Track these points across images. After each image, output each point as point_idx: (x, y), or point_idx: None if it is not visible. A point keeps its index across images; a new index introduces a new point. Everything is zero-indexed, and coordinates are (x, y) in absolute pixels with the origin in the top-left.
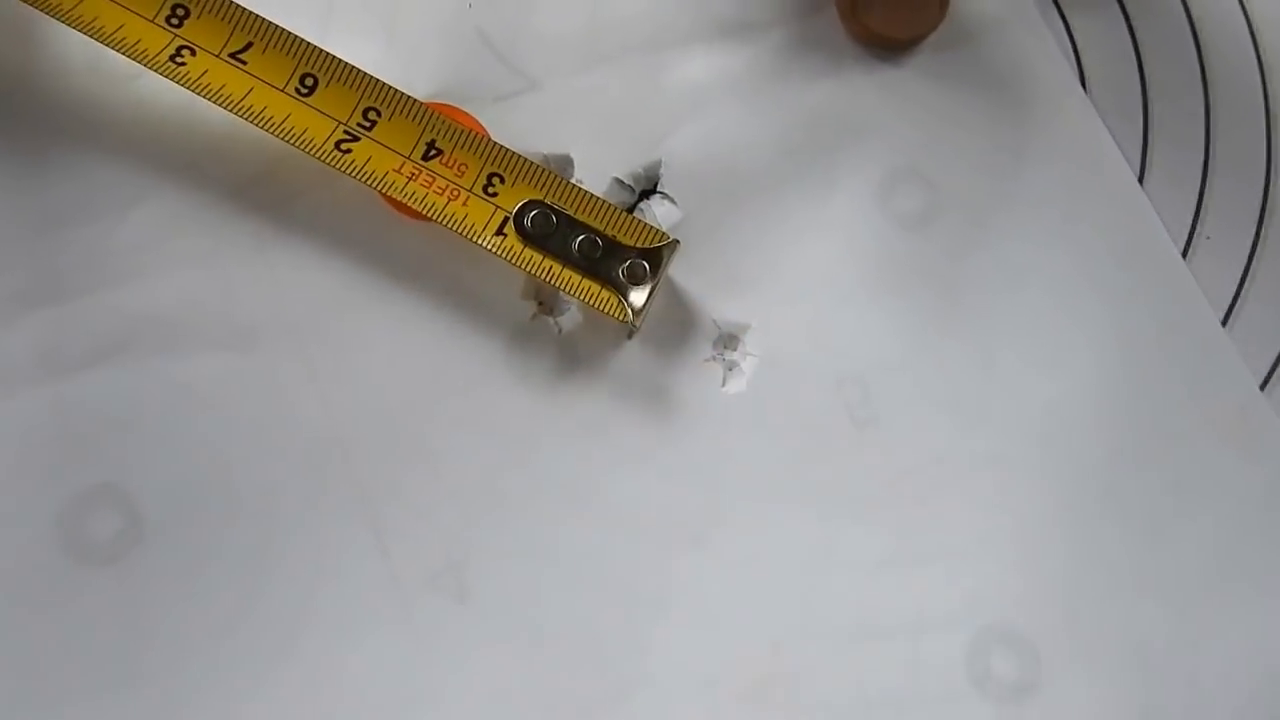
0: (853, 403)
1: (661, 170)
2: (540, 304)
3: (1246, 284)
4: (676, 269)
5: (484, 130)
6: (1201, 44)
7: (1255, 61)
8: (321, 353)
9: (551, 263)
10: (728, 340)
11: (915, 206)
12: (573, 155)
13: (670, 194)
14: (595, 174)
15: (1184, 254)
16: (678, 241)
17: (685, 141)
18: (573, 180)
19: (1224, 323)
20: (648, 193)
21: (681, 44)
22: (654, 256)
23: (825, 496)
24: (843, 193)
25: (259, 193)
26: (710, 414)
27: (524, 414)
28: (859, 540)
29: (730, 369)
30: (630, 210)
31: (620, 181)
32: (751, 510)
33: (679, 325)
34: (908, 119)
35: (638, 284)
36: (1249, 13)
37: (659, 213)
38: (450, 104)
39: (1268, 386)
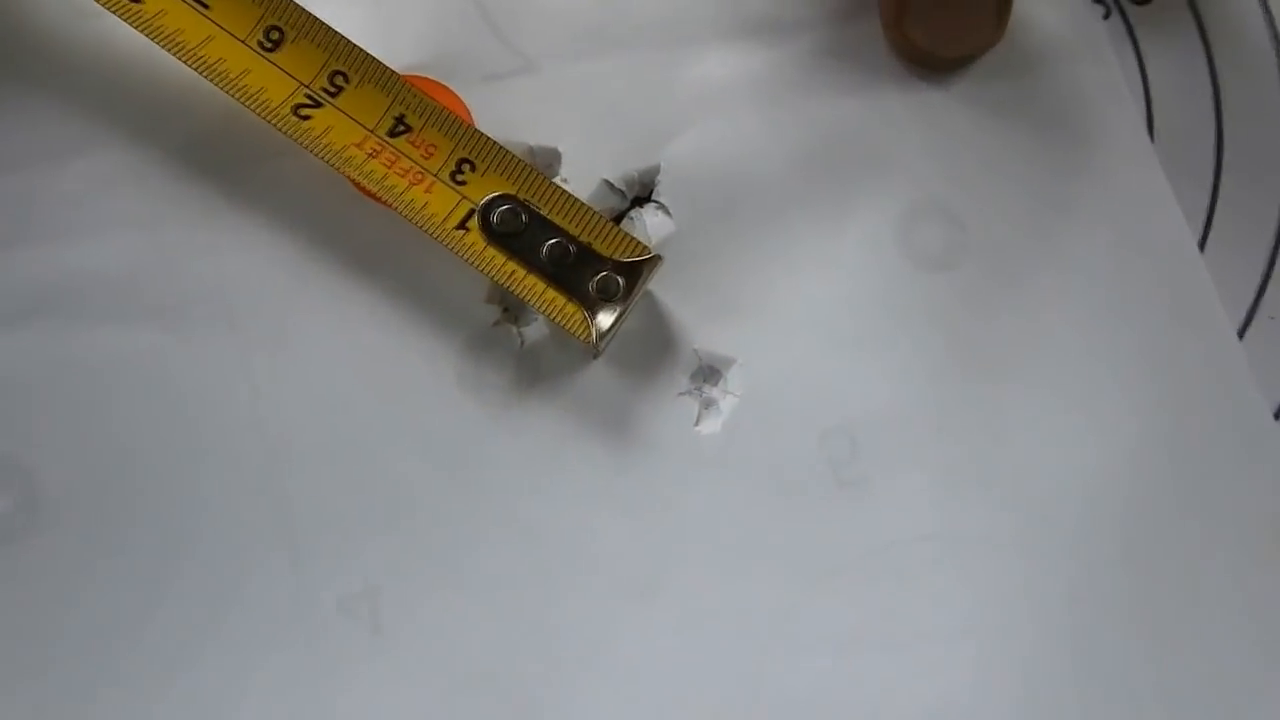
0: (838, 459)
1: (659, 177)
2: (505, 310)
3: None
4: (661, 287)
5: (466, 111)
6: None
7: None
8: (258, 340)
9: (515, 266)
10: (708, 374)
11: (937, 247)
12: (561, 149)
13: (665, 204)
14: (584, 173)
15: (1240, 335)
16: (660, 258)
17: (689, 147)
18: (557, 178)
19: (1277, 416)
20: (640, 200)
21: (700, 38)
22: (631, 272)
23: (794, 560)
24: (857, 223)
25: (214, 154)
26: (678, 453)
27: (472, 430)
28: (825, 615)
29: (707, 406)
30: (618, 218)
31: (610, 185)
32: (710, 565)
33: (656, 350)
34: (942, 149)
35: (609, 301)
36: None
37: (650, 223)
38: (433, 78)
39: None
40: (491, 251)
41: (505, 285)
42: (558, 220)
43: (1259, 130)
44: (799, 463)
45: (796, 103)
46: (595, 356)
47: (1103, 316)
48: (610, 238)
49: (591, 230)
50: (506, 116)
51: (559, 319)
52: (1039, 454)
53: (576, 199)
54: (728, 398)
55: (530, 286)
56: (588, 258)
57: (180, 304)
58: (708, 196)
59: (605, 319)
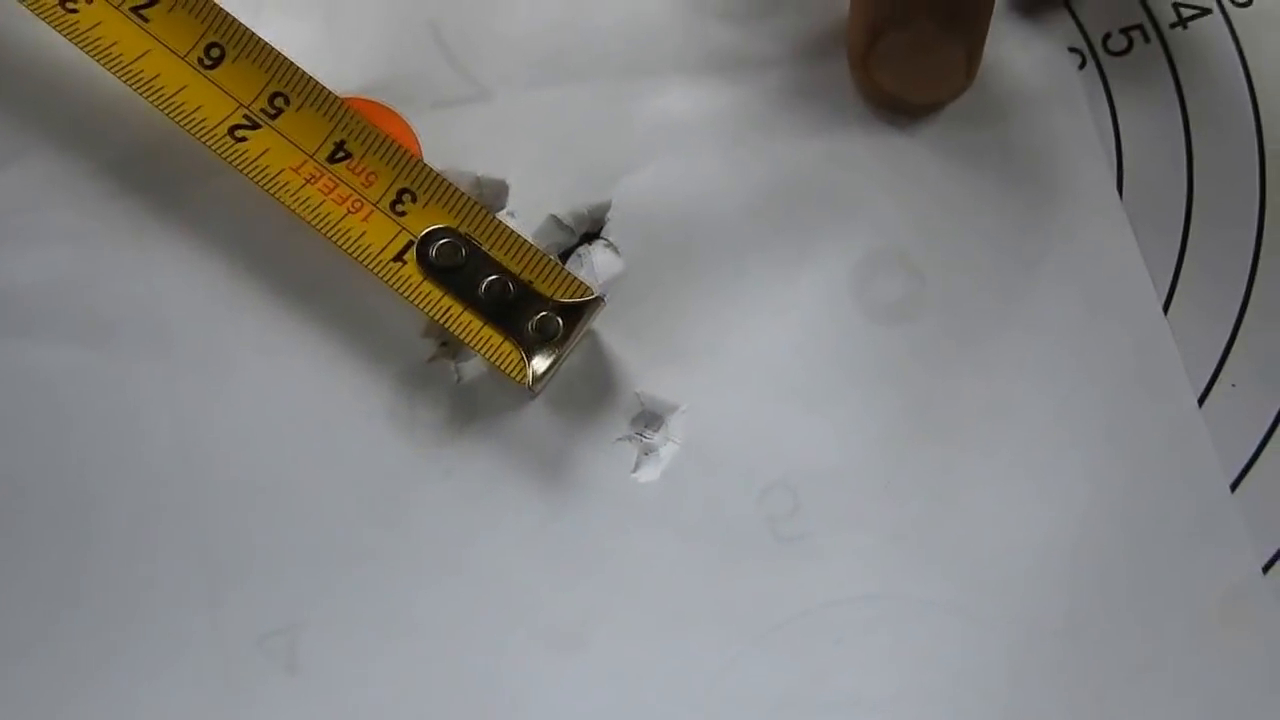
0: (779, 515)
1: (609, 214)
2: (443, 345)
3: (1268, 445)
4: (606, 327)
5: (414, 138)
6: (1267, 169)
7: None
8: (185, 363)
9: (451, 302)
10: (649, 419)
11: (894, 298)
12: (509, 181)
13: (614, 242)
14: (531, 206)
15: (1201, 400)
16: (602, 300)
17: (643, 184)
18: (504, 211)
19: (1234, 487)
20: (589, 237)
21: (662, 71)
22: (572, 313)
23: (729, 617)
24: (813, 270)
25: (149, 169)
26: (614, 500)
27: (401, 468)
28: (758, 674)
29: (646, 453)
30: (566, 255)
31: (558, 220)
32: (642, 619)
33: (597, 392)
34: (905, 197)
35: (547, 342)
36: None
37: (597, 261)
38: (380, 102)
39: (1271, 570)
40: (428, 286)
41: (440, 322)
42: (499, 257)
43: (1230, 189)
44: (738, 516)
45: (758, 142)
46: (532, 397)
47: (1061, 378)
48: (552, 277)
49: (533, 268)
50: (455, 145)
51: (495, 359)
52: (987, 518)
53: (519, 236)
54: (668, 445)
55: (466, 324)
56: (528, 297)
57: (108, 322)
58: (660, 235)
59: (541, 362)
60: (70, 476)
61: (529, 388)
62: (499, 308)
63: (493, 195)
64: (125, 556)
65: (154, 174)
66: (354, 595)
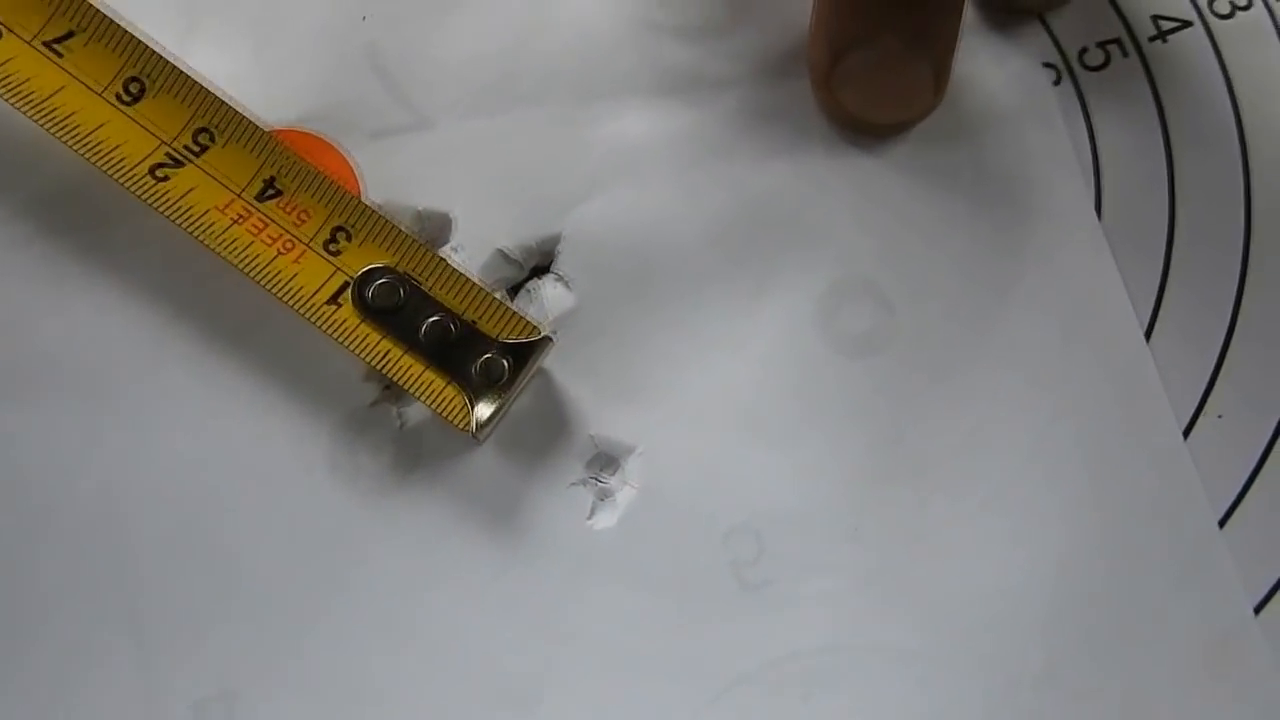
0: (742, 560)
1: (560, 246)
2: (386, 389)
3: (1257, 480)
4: (558, 365)
5: (351, 171)
6: (1253, 188)
7: None
8: (112, 415)
9: (390, 345)
10: (605, 462)
11: (861, 329)
12: (453, 215)
13: (565, 276)
14: (477, 241)
15: (1186, 432)
16: (550, 340)
17: (594, 214)
18: (448, 245)
19: (1222, 524)
20: (539, 270)
21: (615, 94)
22: (519, 354)
23: (690, 669)
24: (776, 301)
25: (68, 211)
26: (568, 549)
27: (343, 520)
28: None
29: (602, 498)
30: (515, 290)
31: (505, 254)
32: (599, 673)
33: (549, 434)
34: (872, 222)
35: (492, 385)
36: None
37: (548, 296)
38: (316, 133)
39: (1264, 610)
40: (365, 329)
41: (379, 367)
42: (441, 296)
43: (1214, 208)
44: (700, 563)
45: (717, 167)
46: (478, 443)
47: (1037, 411)
48: (498, 316)
49: (478, 307)
50: (396, 176)
51: (436, 405)
52: (960, 561)
53: (463, 273)
54: (625, 489)
55: (406, 369)
56: (472, 337)
57: (26, 373)
58: (613, 268)
59: (485, 408)
60: None
61: (473, 435)
62: (441, 350)
63: (436, 229)
64: (52, 619)
65: (73, 216)
66: (294, 657)
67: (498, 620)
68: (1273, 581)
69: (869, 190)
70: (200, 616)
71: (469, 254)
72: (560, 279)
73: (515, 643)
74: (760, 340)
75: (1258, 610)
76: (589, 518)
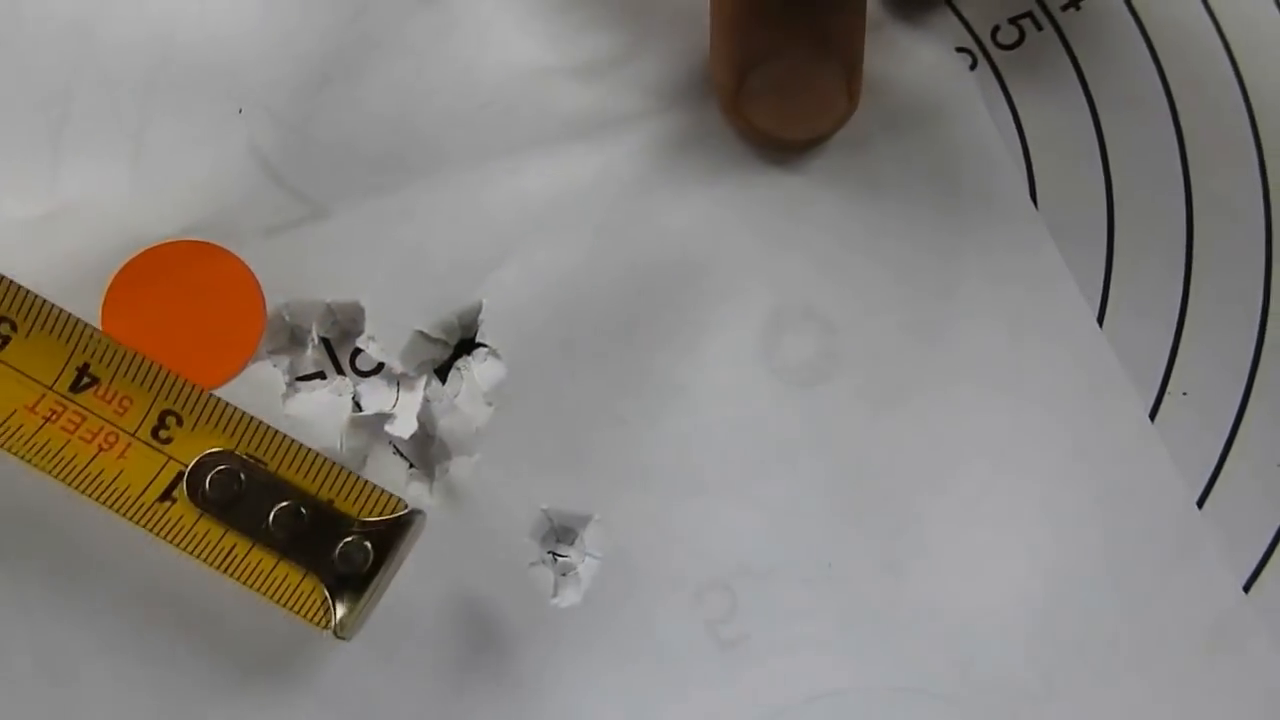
0: (717, 618)
1: (482, 316)
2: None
3: (1231, 453)
4: (497, 442)
5: (249, 274)
6: (1187, 149)
7: (1259, 186)
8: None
9: (235, 540)
10: (561, 535)
11: (807, 356)
12: (363, 303)
13: (492, 346)
14: (392, 326)
15: (1153, 414)
16: (421, 514)
17: (512, 278)
18: (364, 336)
19: (1200, 503)
20: (465, 345)
21: (514, 151)
22: (385, 535)
23: None
24: (715, 342)
25: None
26: (536, 634)
27: (291, 638)
28: None
29: (563, 574)
30: (443, 371)
31: (425, 335)
32: None
33: (498, 516)
34: (804, 243)
35: (354, 574)
36: (1257, 127)
37: (479, 371)
38: (207, 240)
39: (1253, 587)
40: (204, 525)
41: (223, 570)
42: (289, 477)
43: (1152, 177)
44: (674, 626)
45: (632, 207)
46: (345, 641)
47: (999, 415)
48: (355, 493)
49: (332, 485)
50: (297, 272)
51: (291, 604)
52: (944, 585)
53: (311, 450)
54: (587, 560)
55: (253, 566)
56: (328, 520)
57: None
58: (541, 331)
59: (344, 605)
60: None
61: (335, 635)
62: (293, 539)
63: (348, 321)
64: None
65: None
66: None
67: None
68: (1259, 556)
69: (794, 209)
70: None
71: (386, 340)
72: (489, 350)
73: None
74: (705, 383)
75: (1247, 588)
76: (553, 597)
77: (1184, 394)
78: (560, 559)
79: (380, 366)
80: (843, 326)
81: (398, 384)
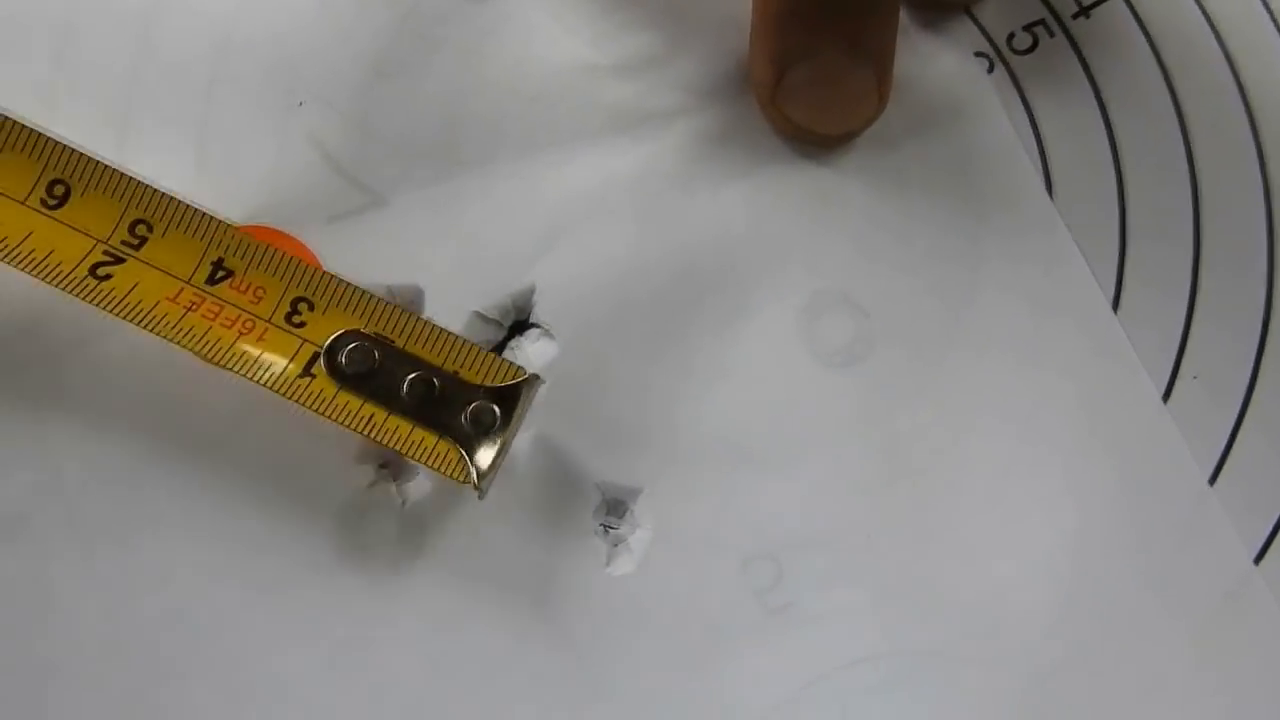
0: (763, 586)
1: (535, 299)
2: (382, 466)
3: (1240, 434)
4: (551, 419)
5: (313, 257)
6: (1193, 148)
7: (1259, 179)
8: (104, 543)
9: (373, 410)
10: (613, 508)
11: (843, 340)
12: (423, 286)
13: (546, 326)
14: (451, 307)
15: (1165, 397)
16: (538, 377)
17: (564, 263)
18: (424, 316)
19: (1212, 480)
20: (519, 326)
21: (561, 143)
22: (508, 397)
23: (726, 703)
24: (756, 325)
25: (23, 348)
26: (590, 602)
27: (357, 607)
28: None
29: (616, 545)
30: (499, 349)
31: (482, 315)
32: None
33: (554, 490)
34: (836, 231)
35: (486, 434)
36: (1256, 123)
37: (532, 351)
38: (270, 226)
39: (1263, 560)
40: (344, 397)
41: (366, 434)
42: (417, 351)
43: (1161, 173)
44: (722, 595)
45: (675, 198)
46: (481, 497)
47: (1021, 394)
48: (479, 363)
49: (456, 358)
50: (358, 258)
51: (432, 463)
52: (972, 556)
53: (436, 325)
54: (638, 532)
55: (394, 430)
56: (456, 388)
57: (15, 515)
58: (591, 312)
59: (485, 455)
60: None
61: (475, 486)
62: (427, 406)
63: (408, 303)
64: None
65: (28, 351)
66: None
67: (525, 689)
68: (1268, 530)
69: (828, 201)
70: None
71: (446, 322)
72: (542, 330)
73: (546, 710)
74: (747, 364)
75: (1257, 560)
76: (607, 566)
77: (1194, 377)
78: (613, 531)
79: None
80: (874, 311)
81: None
